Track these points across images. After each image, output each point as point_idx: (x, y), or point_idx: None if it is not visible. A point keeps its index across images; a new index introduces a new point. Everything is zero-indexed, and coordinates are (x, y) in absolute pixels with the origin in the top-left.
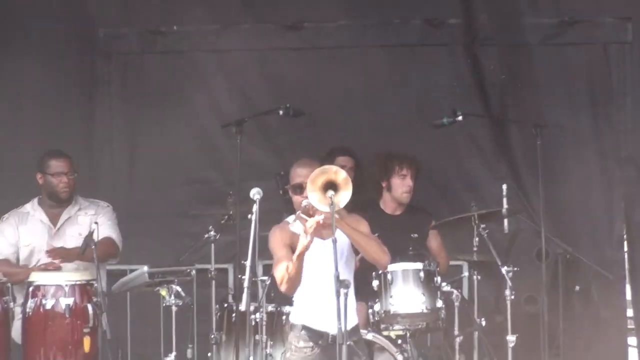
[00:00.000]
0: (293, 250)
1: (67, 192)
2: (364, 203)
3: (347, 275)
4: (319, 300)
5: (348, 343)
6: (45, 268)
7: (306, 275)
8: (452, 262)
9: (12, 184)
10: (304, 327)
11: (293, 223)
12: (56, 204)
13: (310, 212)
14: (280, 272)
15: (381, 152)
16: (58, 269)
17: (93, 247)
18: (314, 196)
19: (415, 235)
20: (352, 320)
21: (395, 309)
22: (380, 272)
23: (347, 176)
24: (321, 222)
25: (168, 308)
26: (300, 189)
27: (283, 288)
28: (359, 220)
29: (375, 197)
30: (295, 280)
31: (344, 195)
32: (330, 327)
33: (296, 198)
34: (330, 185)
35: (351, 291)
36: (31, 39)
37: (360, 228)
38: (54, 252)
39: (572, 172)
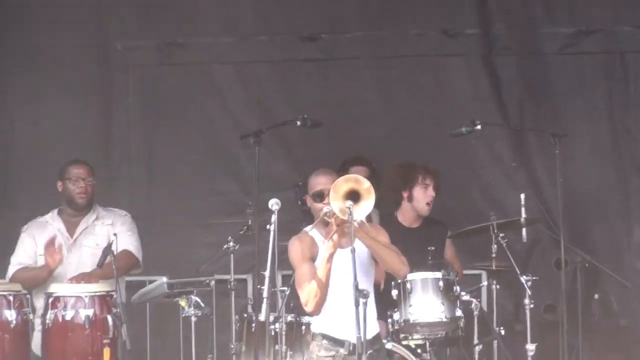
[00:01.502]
0: (313, 261)
1: (84, 198)
2: (381, 216)
3: (366, 284)
4: (339, 309)
5: (369, 352)
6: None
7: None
8: (471, 272)
9: (33, 196)
10: (325, 336)
11: (312, 229)
12: (75, 213)
13: (331, 219)
14: (306, 291)
15: (402, 162)
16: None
17: (112, 258)
18: (335, 205)
19: (432, 247)
20: (373, 329)
21: (415, 318)
22: (399, 281)
23: (370, 186)
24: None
25: (187, 319)
26: (320, 196)
27: (309, 308)
28: (379, 230)
29: (392, 210)
30: (322, 296)
31: (367, 205)
32: (350, 335)
33: (316, 205)
34: (353, 194)
35: (371, 300)
36: (50, 53)
37: (380, 238)
38: (76, 279)
39: (590, 181)
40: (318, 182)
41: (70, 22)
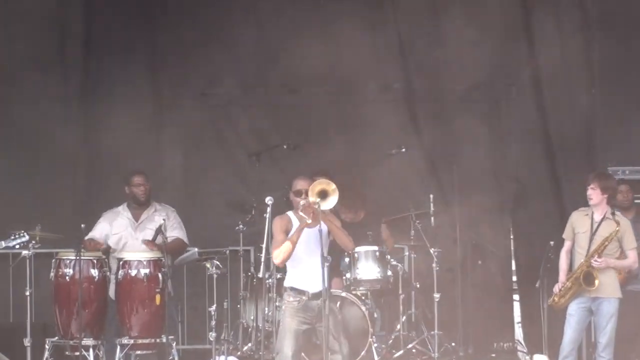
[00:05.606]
0: (287, 234)
1: (144, 197)
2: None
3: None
4: (304, 270)
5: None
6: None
7: (296, 253)
8: (398, 246)
9: (114, 194)
10: (292, 289)
11: (291, 213)
12: (138, 206)
13: (307, 208)
14: (276, 251)
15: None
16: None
17: (162, 235)
18: (311, 199)
19: (370, 232)
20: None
21: (360, 277)
22: (351, 252)
23: (336, 187)
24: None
25: (211, 276)
26: (299, 194)
27: (277, 261)
28: (334, 217)
29: None
30: (287, 254)
31: (332, 200)
32: (309, 287)
33: (295, 200)
34: (324, 193)
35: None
36: (126, 96)
37: (336, 223)
38: (149, 244)
39: (476, 187)
40: (298, 184)
41: (137, 78)
